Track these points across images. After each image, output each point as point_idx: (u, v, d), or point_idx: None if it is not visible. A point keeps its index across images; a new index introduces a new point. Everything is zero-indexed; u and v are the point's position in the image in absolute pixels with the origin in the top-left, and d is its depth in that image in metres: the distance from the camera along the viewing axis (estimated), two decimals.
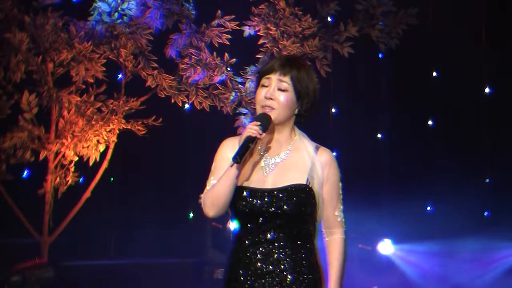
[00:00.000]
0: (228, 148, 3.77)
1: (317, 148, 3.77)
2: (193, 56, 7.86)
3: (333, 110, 8.97)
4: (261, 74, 3.80)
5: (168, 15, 7.83)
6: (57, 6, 7.68)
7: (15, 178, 7.65)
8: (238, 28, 7.92)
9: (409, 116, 9.16)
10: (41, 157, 7.64)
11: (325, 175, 3.73)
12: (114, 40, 7.74)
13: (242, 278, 3.66)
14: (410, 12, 8.42)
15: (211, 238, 8.83)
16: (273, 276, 3.64)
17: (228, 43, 7.88)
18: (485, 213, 9.20)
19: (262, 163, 3.73)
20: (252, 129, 3.64)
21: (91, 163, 7.71)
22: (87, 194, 7.80)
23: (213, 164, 3.80)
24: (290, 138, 3.78)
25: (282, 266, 3.64)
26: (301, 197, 3.66)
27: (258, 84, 3.79)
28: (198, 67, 7.85)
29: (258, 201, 3.66)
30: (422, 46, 9.03)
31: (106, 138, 7.74)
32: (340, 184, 3.78)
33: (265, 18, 7.98)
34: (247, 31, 7.96)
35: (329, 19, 8.27)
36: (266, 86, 3.75)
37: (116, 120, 7.75)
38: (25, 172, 7.80)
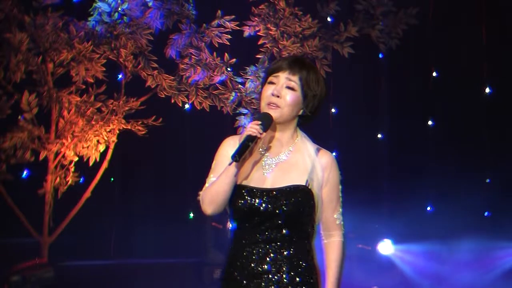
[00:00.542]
0: (230, 146, 3.76)
1: (318, 150, 3.76)
2: (193, 56, 7.86)
3: (333, 110, 8.97)
4: (269, 72, 3.78)
5: (168, 15, 7.82)
6: (57, 6, 7.68)
7: (15, 178, 7.65)
8: (238, 28, 7.92)
9: (409, 116, 9.16)
10: (41, 157, 7.64)
11: (325, 177, 3.72)
12: (114, 40, 7.74)
13: (238, 277, 3.66)
14: (410, 12, 8.42)
15: (211, 238, 8.83)
16: (270, 276, 3.63)
17: (228, 43, 7.88)
18: (485, 213, 9.20)
19: (262, 163, 3.73)
20: (252, 128, 3.63)
21: (91, 163, 7.71)
22: (87, 194, 7.80)
23: (214, 161, 3.79)
24: (292, 138, 3.77)
25: (278, 266, 3.63)
26: (300, 198, 3.65)
27: (265, 81, 3.78)
28: (198, 67, 7.85)
29: (257, 201, 3.65)
30: (422, 46, 9.03)
31: (106, 138, 7.74)
32: (340, 187, 3.78)
33: (265, 18, 7.98)
34: (247, 31, 7.97)
35: (329, 19, 8.27)
36: (274, 84, 3.73)
37: (116, 120, 7.75)
38: (25, 172, 7.79)
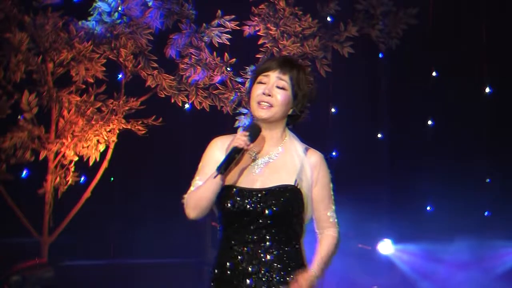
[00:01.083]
0: (217, 148, 3.77)
1: (306, 150, 3.77)
2: (193, 56, 7.86)
3: (333, 110, 8.96)
4: (258, 72, 3.78)
5: (168, 15, 7.82)
6: (57, 6, 7.67)
7: (15, 178, 7.65)
8: (238, 28, 7.92)
9: (409, 116, 9.16)
10: (41, 157, 7.63)
11: (315, 176, 3.72)
12: (114, 40, 7.74)
13: (229, 278, 3.66)
14: (410, 12, 8.42)
15: (211, 238, 8.82)
16: (260, 276, 3.63)
17: (228, 43, 7.88)
18: (485, 213, 9.20)
19: (251, 163, 3.73)
20: (239, 139, 3.63)
21: (91, 163, 7.71)
22: (87, 194, 7.80)
23: (200, 163, 3.80)
24: (281, 138, 3.77)
25: (268, 266, 3.63)
26: (289, 198, 3.65)
27: (254, 81, 3.78)
28: (198, 67, 7.85)
29: (246, 201, 3.65)
30: (422, 46, 9.03)
31: (106, 138, 7.74)
32: (331, 185, 3.78)
33: (265, 18, 7.98)
34: (247, 31, 7.96)
35: (329, 19, 8.27)
36: (264, 83, 3.73)
37: (116, 120, 7.75)
38: (25, 172, 7.79)
